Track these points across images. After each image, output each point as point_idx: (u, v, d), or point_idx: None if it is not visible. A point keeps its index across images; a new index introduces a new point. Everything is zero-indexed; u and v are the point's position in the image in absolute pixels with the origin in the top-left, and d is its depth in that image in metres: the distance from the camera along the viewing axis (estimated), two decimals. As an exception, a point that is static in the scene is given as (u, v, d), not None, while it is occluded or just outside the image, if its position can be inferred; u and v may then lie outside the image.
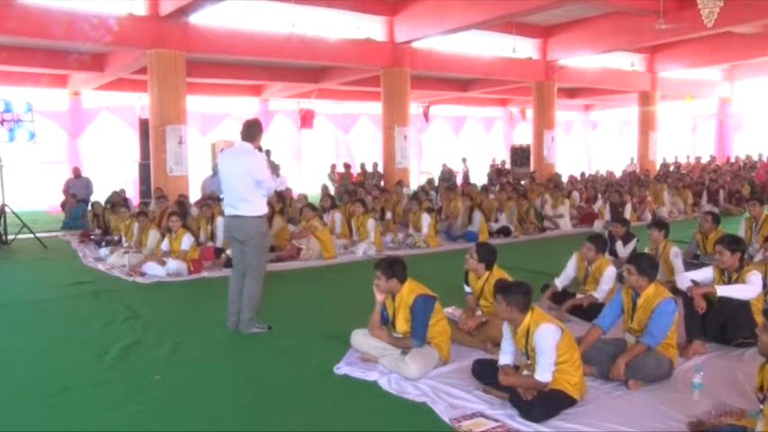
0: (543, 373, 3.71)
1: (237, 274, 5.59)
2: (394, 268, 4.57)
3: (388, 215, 11.66)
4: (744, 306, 4.79)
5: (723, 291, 4.82)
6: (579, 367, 3.81)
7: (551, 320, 3.86)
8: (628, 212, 11.60)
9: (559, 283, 6.09)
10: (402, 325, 4.59)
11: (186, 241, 8.22)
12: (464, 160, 22.66)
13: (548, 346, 3.70)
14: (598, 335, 4.37)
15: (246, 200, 5.41)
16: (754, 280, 4.83)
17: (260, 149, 5.62)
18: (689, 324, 4.84)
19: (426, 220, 10.36)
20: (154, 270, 8.18)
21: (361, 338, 4.81)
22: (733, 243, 4.96)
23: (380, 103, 16.43)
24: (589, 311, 5.65)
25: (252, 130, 5.53)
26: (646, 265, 4.29)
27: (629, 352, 4.18)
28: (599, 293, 5.70)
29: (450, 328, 4.73)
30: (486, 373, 4.09)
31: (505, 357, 4.02)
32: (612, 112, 29.68)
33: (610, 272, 5.72)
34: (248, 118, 5.82)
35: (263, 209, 5.51)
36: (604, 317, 4.45)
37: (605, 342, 4.43)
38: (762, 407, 3.13)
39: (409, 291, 4.56)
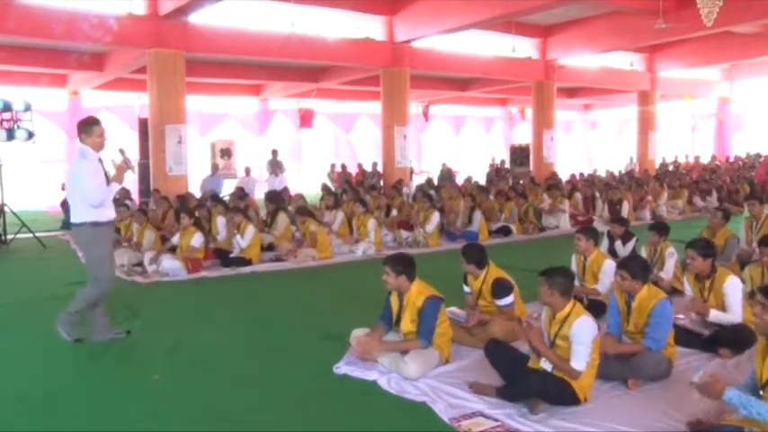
0: (579, 362, 3.73)
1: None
2: (403, 265, 4.57)
3: (394, 212, 11.64)
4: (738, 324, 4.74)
5: (714, 316, 4.76)
6: (593, 374, 3.84)
7: (590, 316, 3.90)
8: (625, 211, 11.58)
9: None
10: (407, 325, 4.55)
11: (197, 239, 8.28)
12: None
13: (586, 338, 3.74)
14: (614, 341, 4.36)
15: (74, 206, 5.17)
16: (733, 294, 4.71)
17: (122, 154, 5.17)
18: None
19: (436, 218, 10.39)
20: (171, 265, 8.18)
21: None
22: (705, 248, 4.90)
23: (380, 103, 16.44)
24: (588, 310, 5.65)
25: (80, 129, 5.13)
26: (637, 268, 4.29)
27: (624, 344, 4.23)
28: (601, 287, 5.68)
29: (450, 329, 4.73)
30: (498, 353, 4.16)
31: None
32: (612, 111, 29.69)
33: (608, 265, 5.69)
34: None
35: (88, 216, 5.10)
36: (611, 324, 4.47)
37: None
38: (762, 393, 3.12)
39: (418, 292, 4.54)
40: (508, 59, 17.46)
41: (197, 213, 9.04)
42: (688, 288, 5.09)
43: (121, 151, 5.30)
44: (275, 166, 17.74)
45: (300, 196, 11.97)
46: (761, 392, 3.13)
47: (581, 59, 19.36)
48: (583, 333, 3.74)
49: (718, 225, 7.11)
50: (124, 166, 5.23)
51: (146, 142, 13.95)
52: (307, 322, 5.95)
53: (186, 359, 4.96)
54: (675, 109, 26.32)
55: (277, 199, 10.86)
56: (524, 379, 3.77)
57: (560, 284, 3.85)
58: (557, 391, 3.72)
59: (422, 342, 4.44)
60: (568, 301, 3.88)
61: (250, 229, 8.78)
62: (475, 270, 5.19)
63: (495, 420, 3.65)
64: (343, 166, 19.94)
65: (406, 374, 4.27)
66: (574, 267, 6.06)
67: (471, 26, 14.09)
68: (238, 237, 8.76)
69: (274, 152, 18.24)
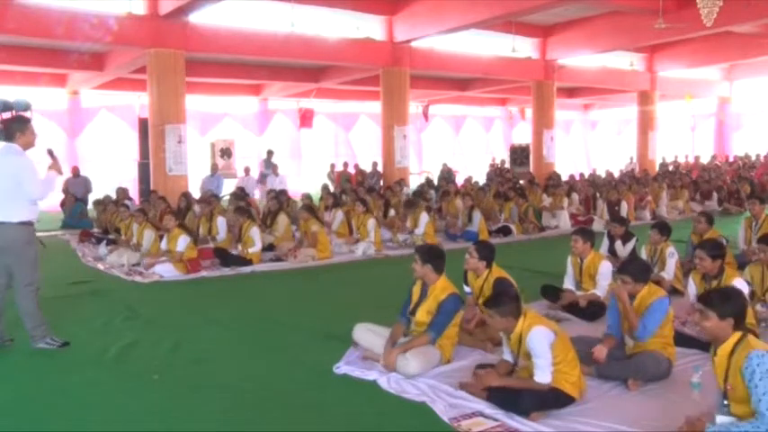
0: (542, 375, 3.69)
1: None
2: (431, 255, 4.62)
3: (392, 212, 11.64)
4: None
5: None
6: (576, 366, 3.81)
7: (544, 323, 3.84)
8: (625, 211, 11.58)
9: (568, 285, 6.05)
10: (422, 315, 4.56)
11: (182, 242, 8.12)
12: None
13: (542, 348, 3.69)
14: (614, 342, 4.31)
15: (6, 205, 4.93)
16: None
17: (51, 155, 5.13)
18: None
19: (424, 219, 10.38)
20: (170, 272, 8.08)
21: (364, 333, 4.81)
22: (714, 249, 4.92)
23: (380, 103, 16.44)
24: (588, 311, 5.66)
25: (10, 129, 5.01)
26: (638, 271, 4.29)
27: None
28: (599, 291, 5.69)
29: (457, 335, 4.72)
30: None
31: (507, 355, 4.04)
32: (612, 111, 29.70)
33: (605, 266, 5.71)
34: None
35: (26, 215, 4.95)
36: (611, 324, 4.44)
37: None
38: (726, 402, 3.10)
39: (443, 287, 4.57)
40: (508, 59, 17.46)
41: (197, 208, 8.96)
42: (693, 288, 5.08)
43: (50, 152, 5.26)
44: (272, 167, 17.74)
45: (307, 196, 12.06)
46: (725, 402, 3.10)
47: (581, 59, 19.37)
48: (537, 345, 3.70)
49: (704, 230, 7.09)
50: (56, 164, 5.21)
51: (146, 142, 13.96)
52: (307, 322, 5.95)
53: (186, 359, 4.95)
54: (675, 109, 26.31)
55: (281, 199, 10.93)
56: (516, 397, 3.71)
57: (512, 309, 3.82)
58: (550, 399, 3.70)
59: (431, 334, 4.44)
60: (519, 318, 3.84)
61: (256, 231, 8.78)
62: (482, 268, 5.21)
63: (495, 420, 3.65)
64: (345, 165, 19.91)
65: (406, 371, 4.27)
66: (570, 269, 6.05)
67: (471, 26, 14.10)
68: (250, 249, 8.68)
69: (270, 153, 18.28)
